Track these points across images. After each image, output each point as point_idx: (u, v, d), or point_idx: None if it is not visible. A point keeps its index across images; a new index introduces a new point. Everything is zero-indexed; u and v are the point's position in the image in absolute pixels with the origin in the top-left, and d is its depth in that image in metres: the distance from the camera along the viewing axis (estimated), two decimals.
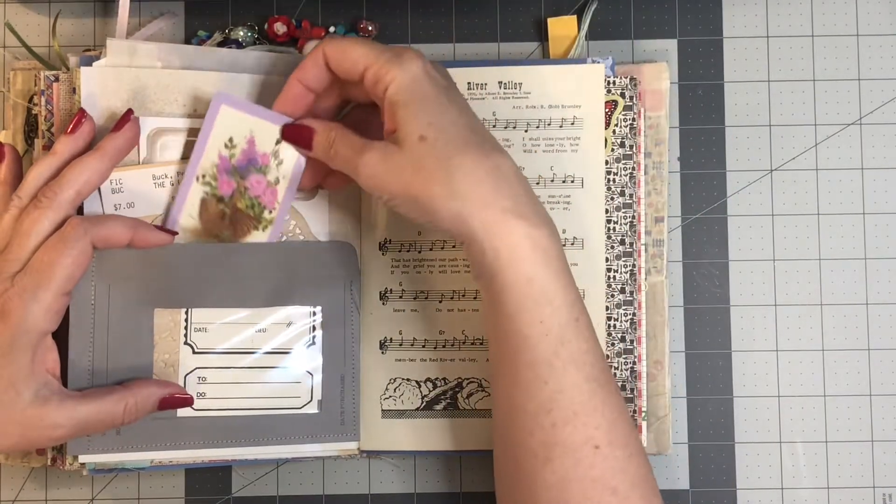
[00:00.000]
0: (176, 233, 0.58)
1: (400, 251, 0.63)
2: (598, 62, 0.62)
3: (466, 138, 0.52)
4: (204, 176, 0.59)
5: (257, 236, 0.60)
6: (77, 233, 0.54)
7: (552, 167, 0.62)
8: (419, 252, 0.63)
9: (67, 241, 0.53)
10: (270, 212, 0.60)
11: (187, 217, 0.59)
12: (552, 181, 0.62)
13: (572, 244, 0.62)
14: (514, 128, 0.62)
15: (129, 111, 0.57)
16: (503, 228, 0.51)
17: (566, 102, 0.62)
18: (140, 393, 0.56)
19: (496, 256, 0.51)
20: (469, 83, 0.63)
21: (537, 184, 0.62)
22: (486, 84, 0.63)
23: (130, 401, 0.56)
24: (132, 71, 0.59)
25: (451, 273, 0.62)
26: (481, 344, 0.62)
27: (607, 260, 0.62)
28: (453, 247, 0.63)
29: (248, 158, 0.59)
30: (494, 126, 0.62)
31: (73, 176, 0.55)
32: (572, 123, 0.62)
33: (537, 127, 0.62)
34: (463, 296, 0.62)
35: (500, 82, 0.63)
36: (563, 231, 0.62)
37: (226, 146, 0.59)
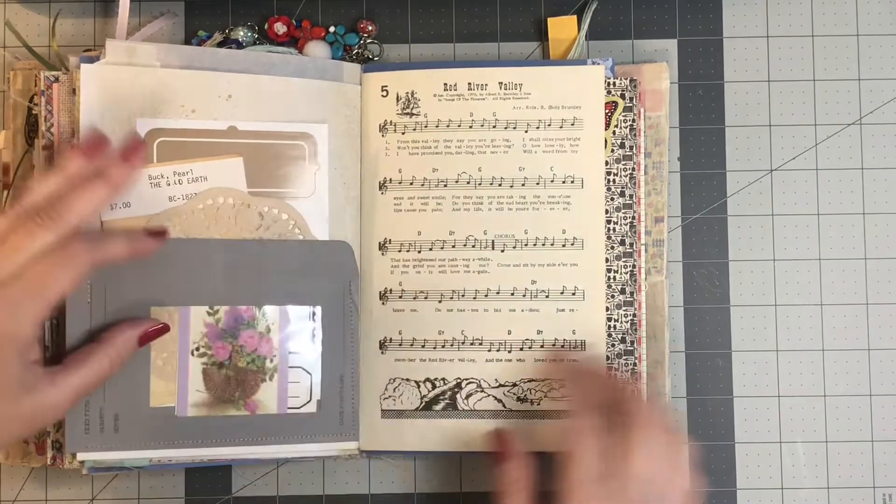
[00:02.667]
0: (166, 230, 0.58)
1: (400, 251, 0.63)
2: (599, 63, 0.62)
3: None
4: (198, 348, 0.59)
5: (267, 388, 0.60)
6: (81, 258, 0.53)
7: (552, 167, 0.62)
8: (419, 252, 0.63)
9: (70, 262, 0.53)
10: (272, 360, 0.60)
11: (195, 393, 0.60)
12: (552, 181, 0.62)
13: (572, 244, 0.62)
14: (515, 128, 0.62)
15: (142, 142, 0.57)
16: None
17: (566, 103, 0.62)
18: (117, 342, 0.57)
19: None
20: (469, 83, 0.63)
21: (537, 184, 0.62)
22: (486, 84, 0.63)
23: (112, 353, 0.56)
24: (131, 72, 0.59)
25: (451, 273, 0.62)
26: (480, 344, 0.62)
27: (607, 260, 0.62)
28: (453, 247, 0.63)
29: (233, 318, 0.60)
30: (495, 126, 0.62)
31: (81, 207, 0.54)
32: (572, 124, 0.62)
33: (537, 128, 0.62)
34: (462, 296, 0.62)
35: (500, 83, 0.63)
36: (564, 231, 0.62)
37: (208, 313, 0.59)
